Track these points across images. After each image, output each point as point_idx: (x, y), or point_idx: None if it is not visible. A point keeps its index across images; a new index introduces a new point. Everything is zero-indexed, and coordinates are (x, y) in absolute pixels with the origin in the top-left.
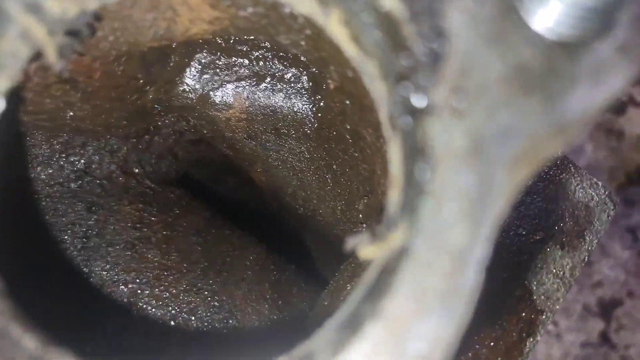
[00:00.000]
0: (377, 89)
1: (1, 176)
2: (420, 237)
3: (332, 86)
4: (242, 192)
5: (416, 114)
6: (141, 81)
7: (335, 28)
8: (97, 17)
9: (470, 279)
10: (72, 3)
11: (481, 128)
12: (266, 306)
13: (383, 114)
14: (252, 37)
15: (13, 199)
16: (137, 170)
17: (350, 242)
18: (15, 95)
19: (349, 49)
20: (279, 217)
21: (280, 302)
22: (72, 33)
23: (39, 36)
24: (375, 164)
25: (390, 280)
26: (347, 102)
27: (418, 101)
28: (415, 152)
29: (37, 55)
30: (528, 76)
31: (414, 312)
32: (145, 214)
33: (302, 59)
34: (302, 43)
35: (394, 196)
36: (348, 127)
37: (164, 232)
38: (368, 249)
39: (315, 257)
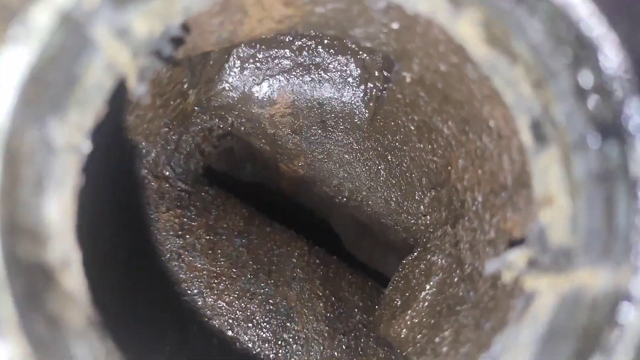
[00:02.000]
0: (518, 93)
1: None
2: None
3: (408, 79)
4: (267, 184)
5: (617, 136)
6: (185, 85)
7: (466, 28)
8: (186, 28)
9: None
10: (158, 19)
11: None
12: (321, 304)
13: (522, 121)
14: (319, 34)
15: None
16: (167, 173)
17: (495, 264)
18: None
19: (478, 50)
20: (308, 208)
21: (333, 299)
22: (154, 53)
23: (124, 63)
24: (453, 158)
25: (615, 334)
26: (422, 93)
27: (630, 121)
28: (610, 179)
29: (120, 84)
30: None
31: None
32: (185, 220)
33: (366, 46)
34: (382, 36)
35: (556, 219)
36: (416, 118)
37: (207, 237)
38: (534, 280)
39: (351, 246)
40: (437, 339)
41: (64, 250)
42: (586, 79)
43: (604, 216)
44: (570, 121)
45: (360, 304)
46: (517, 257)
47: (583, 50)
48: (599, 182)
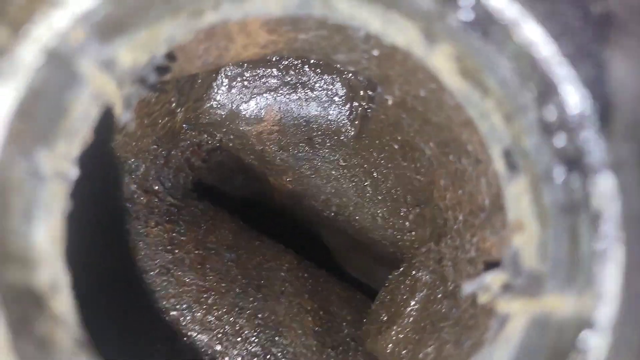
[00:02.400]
0: (491, 124)
1: None
2: (608, 309)
3: (390, 101)
4: (257, 198)
5: (579, 170)
6: (173, 104)
7: (440, 61)
8: (171, 57)
9: None
10: (143, 50)
11: None
12: (309, 318)
13: (495, 150)
14: (303, 57)
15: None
16: (157, 188)
17: (470, 286)
18: None
19: (452, 82)
20: (298, 222)
21: (322, 312)
22: (139, 81)
23: (109, 92)
24: (435, 177)
25: (579, 359)
26: (404, 115)
27: (591, 157)
28: (574, 210)
29: (106, 112)
30: None
31: None
32: (175, 234)
33: (349, 70)
34: (364, 62)
35: (526, 245)
36: (399, 138)
37: (197, 252)
38: (507, 302)
39: (340, 260)
40: (420, 355)
41: (53, 275)
42: (550, 114)
43: (569, 245)
44: (538, 153)
45: (349, 317)
46: (493, 279)
47: (546, 88)
48: (564, 213)
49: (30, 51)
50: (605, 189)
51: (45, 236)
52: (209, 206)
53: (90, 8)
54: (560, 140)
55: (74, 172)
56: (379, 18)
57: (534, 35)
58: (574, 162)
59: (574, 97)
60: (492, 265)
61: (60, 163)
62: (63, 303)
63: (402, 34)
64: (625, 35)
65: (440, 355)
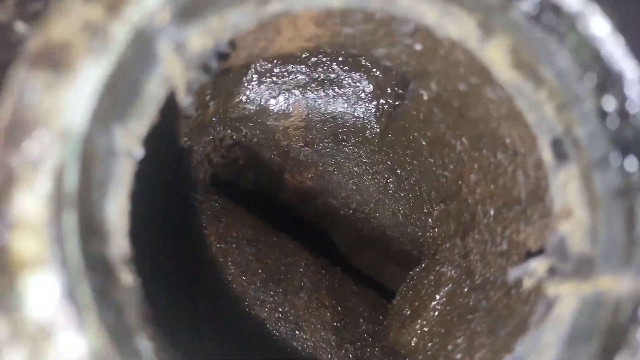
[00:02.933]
0: (542, 114)
1: None
2: None
3: (425, 97)
4: (267, 194)
5: (638, 155)
6: (208, 97)
7: (493, 53)
8: (233, 44)
9: None
10: (211, 36)
11: None
12: (328, 314)
13: (543, 140)
14: (335, 53)
15: None
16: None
17: (515, 272)
18: None
19: (504, 73)
20: (306, 220)
21: (339, 308)
22: (202, 66)
23: (177, 76)
24: (464, 172)
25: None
26: (437, 111)
27: None
28: (630, 193)
29: (170, 95)
30: None
31: None
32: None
33: (385, 65)
34: (403, 57)
35: (575, 230)
36: (428, 134)
37: (218, 245)
38: (557, 286)
39: (351, 258)
40: (449, 347)
41: (122, 248)
42: (609, 104)
43: (625, 227)
44: (592, 141)
45: (365, 314)
46: (537, 265)
47: (606, 78)
48: (619, 196)
49: (122, 29)
50: None
51: (115, 211)
52: (228, 202)
53: None
54: (617, 127)
55: (139, 152)
56: (437, 10)
57: (599, 27)
58: (631, 145)
59: (635, 89)
60: (535, 253)
61: (130, 141)
62: (130, 277)
63: (457, 26)
64: None
65: (472, 346)
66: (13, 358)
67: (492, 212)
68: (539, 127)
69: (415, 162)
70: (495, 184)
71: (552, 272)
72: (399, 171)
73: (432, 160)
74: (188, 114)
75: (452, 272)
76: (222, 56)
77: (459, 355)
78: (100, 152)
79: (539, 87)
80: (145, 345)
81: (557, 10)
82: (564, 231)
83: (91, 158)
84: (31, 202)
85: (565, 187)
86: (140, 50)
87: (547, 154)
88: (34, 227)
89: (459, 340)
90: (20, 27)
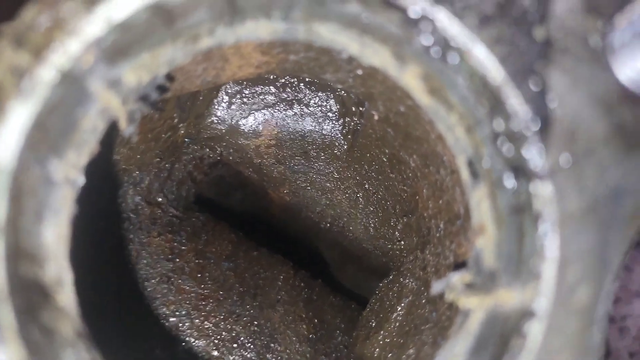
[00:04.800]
0: (456, 136)
1: None
2: (544, 299)
3: (376, 117)
4: (257, 210)
5: (524, 176)
6: (175, 120)
7: (411, 81)
8: (170, 77)
9: (596, 335)
10: (145, 71)
11: (593, 189)
12: (304, 326)
13: (461, 160)
14: (295, 76)
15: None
16: (160, 200)
17: (438, 286)
18: None
19: (422, 98)
20: (296, 233)
21: (316, 321)
22: (142, 98)
23: (115, 108)
24: (419, 188)
25: (520, 342)
26: (389, 130)
27: (532, 164)
28: (521, 211)
29: (111, 126)
30: (628, 135)
31: None
32: (176, 244)
33: (338, 88)
34: (350, 80)
35: (487, 246)
36: (387, 151)
37: (197, 261)
38: (467, 299)
39: (336, 271)
40: (403, 357)
41: (58, 271)
42: (499, 126)
43: (517, 243)
44: (493, 162)
45: (342, 325)
46: (459, 279)
47: (495, 103)
48: (514, 215)
49: (47, 72)
50: (544, 193)
51: (53, 236)
52: (210, 218)
53: (100, 35)
54: (508, 150)
55: (80, 180)
56: (356, 42)
57: (484, 57)
58: (520, 169)
59: (519, 111)
60: (458, 265)
61: (69, 171)
62: (66, 297)
63: (377, 55)
64: (564, 56)
65: (419, 356)
66: None
67: (442, 226)
68: (457, 148)
69: (380, 177)
70: (442, 199)
71: (468, 286)
72: (366, 186)
73: (393, 176)
74: (132, 141)
75: (413, 283)
76: (161, 88)
77: None
78: (34, 183)
79: (450, 111)
80: (73, 359)
81: (447, 43)
82: (479, 246)
83: (23, 190)
84: None
85: (480, 205)
86: (71, 89)
87: (464, 173)
88: None
89: (411, 351)
90: None
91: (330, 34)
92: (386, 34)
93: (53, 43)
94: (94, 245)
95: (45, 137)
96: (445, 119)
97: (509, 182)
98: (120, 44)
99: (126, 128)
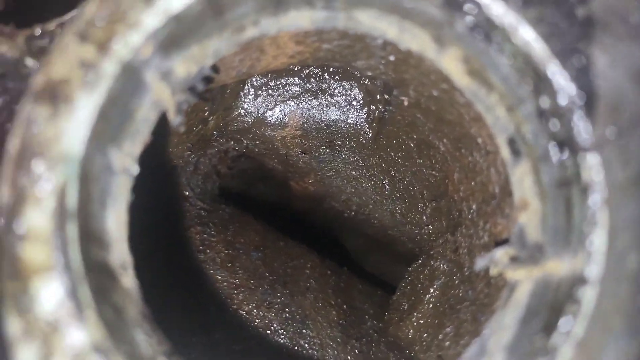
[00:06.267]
0: (496, 116)
1: None
2: (596, 266)
3: (405, 103)
4: (279, 201)
5: (571, 149)
6: (206, 113)
7: (450, 63)
8: (215, 68)
9: None
10: (194, 62)
11: (638, 160)
12: (334, 312)
13: (501, 139)
14: (326, 65)
15: None
16: (187, 193)
17: (482, 262)
18: None
19: (461, 80)
20: (318, 223)
21: (345, 306)
22: (190, 89)
23: (166, 99)
24: (449, 172)
25: (574, 307)
26: (419, 115)
27: (579, 137)
28: (568, 184)
29: (162, 116)
30: None
31: (603, 336)
32: (205, 236)
33: (367, 76)
34: (381, 67)
35: (530, 220)
36: (415, 136)
37: (226, 252)
38: (514, 272)
39: (361, 259)
40: (440, 336)
41: (121, 255)
42: (545, 103)
43: (565, 215)
44: (536, 138)
45: (371, 311)
46: (502, 254)
47: (540, 81)
48: (560, 188)
49: (110, 64)
50: (592, 163)
51: (115, 222)
52: (236, 210)
53: (158, 27)
54: (554, 125)
55: (135, 169)
56: (395, 27)
57: (528, 37)
58: (566, 143)
59: (564, 87)
60: (501, 242)
61: (126, 160)
62: (130, 280)
63: (415, 40)
64: (606, 34)
65: (458, 333)
66: (27, 350)
67: (474, 208)
68: (496, 128)
69: (407, 163)
70: (475, 181)
71: (512, 259)
72: (393, 173)
73: (421, 161)
74: (179, 131)
75: (445, 266)
76: (207, 79)
77: (447, 343)
78: (98, 171)
79: (490, 91)
80: (142, 338)
81: (492, 24)
82: (522, 222)
83: (89, 177)
84: (39, 216)
85: (522, 181)
86: (130, 81)
87: (505, 152)
88: (41, 238)
89: (448, 329)
90: (29, 62)
91: (370, 21)
92: (427, 18)
93: (116, 36)
94: (144, 233)
95: (106, 128)
96: (485, 100)
97: (555, 156)
98: (174, 36)
99: (174, 119)
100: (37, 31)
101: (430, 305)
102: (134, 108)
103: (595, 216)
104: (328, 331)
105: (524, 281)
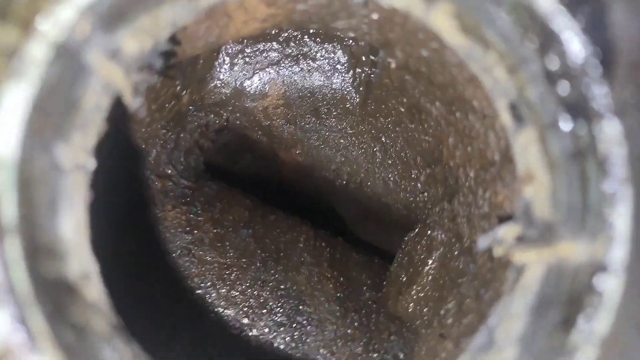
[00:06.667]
0: (494, 78)
1: None
2: (620, 251)
3: (393, 65)
4: (267, 173)
5: (584, 116)
6: (178, 87)
7: (440, 20)
8: (175, 41)
9: None
10: (147, 36)
11: None
12: (330, 285)
13: (500, 103)
14: (302, 28)
15: None
16: (169, 172)
17: (484, 241)
18: None
19: (453, 39)
20: (309, 194)
21: (342, 279)
22: (146, 67)
23: (118, 81)
24: (443, 137)
25: (595, 299)
26: (408, 77)
27: (595, 103)
28: (581, 155)
29: (116, 101)
30: None
31: (632, 333)
32: (192, 215)
33: (349, 37)
34: (364, 27)
35: (538, 195)
36: (405, 100)
37: (215, 231)
38: (523, 253)
39: (355, 227)
40: (442, 311)
41: (82, 264)
42: (553, 63)
43: (579, 191)
44: (543, 103)
45: (368, 281)
46: (506, 232)
47: (547, 38)
48: (573, 160)
49: (39, 48)
50: (610, 133)
51: (71, 227)
52: (222, 186)
53: (93, 0)
54: (564, 88)
55: (91, 163)
56: None
57: None
58: (579, 109)
59: (575, 45)
60: (505, 218)
61: (78, 155)
62: (94, 290)
63: None
64: None
65: (460, 310)
66: None
67: (472, 175)
68: (495, 91)
69: (397, 129)
70: (472, 147)
71: (519, 239)
72: (383, 139)
73: (413, 126)
74: (140, 115)
75: (443, 235)
76: (167, 54)
77: (449, 320)
78: (42, 172)
79: (487, 50)
80: (112, 356)
81: None
82: (528, 195)
83: (31, 182)
84: None
85: (526, 150)
86: (67, 65)
87: (506, 118)
88: None
89: (450, 305)
90: None
91: None
92: None
93: (40, 12)
94: (111, 230)
95: (46, 122)
96: (480, 60)
97: (566, 124)
98: (117, 8)
99: (132, 101)
100: None
101: (430, 278)
102: (79, 95)
103: (616, 194)
104: (326, 305)
105: (534, 264)
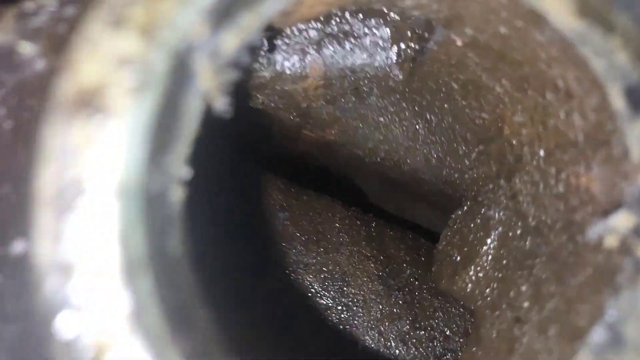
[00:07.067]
0: (612, 62)
1: None
2: None
3: (459, 42)
4: (288, 152)
5: None
6: None
7: (553, 2)
8: (271, 29)
9: None
10: (243, 35)
11: None
12: (371, 265)
13: (615, 88)
14: (367, 8)
15: None
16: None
17: (595, 231)
18: None
19: (563, 20)
20: (323, 168)
21: (381, 257)
22: (234, 65)
23: (210, 83)
24: (505, 114)
25: None
26: (471, 54)
27: None
28: None
29: (207, 106)
30: None
31: None
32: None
33: (412, 15)
34: (434, 5)
35: None
36: (461, 77)
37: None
38: None
39: (381, 202)
40: (511, 294)
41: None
42: None
43: None
44: None
45: (408, 258)
46: (619, 221)
47: None
48: None
49: (160, 57)
50: None
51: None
52: (253, 168)
53: (214, 1)
54: None
55: (187, 173)
56: None
57: None
58: None
59: None
60: (612, 207)
61: (178, 166)
62: None
63: None
64: None
65: (539, 293)
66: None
67: (542, 154)
68: (608, 75)
69: (445, 105)
70: (545, 126)
71: (637, 230)
72: (428, 116)
73: (466, 103)
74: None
75: (501, 214)
76: (252, 48)
77: (526, 304)
78: (158, 193)
79: (609, 34)
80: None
81: None
82: None
83: (153, 208)
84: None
85: None
86: (183, 72)
87: (618, 103)
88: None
89: (523, 288)
90: (25, 47)
91: None
92: None
93: (162, 15)
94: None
95: (163, 137)
96: (597, 43)
97: None
98: (225, 6)
99: (220, 102)
100: (29, 7)
101: (490, 257)
102: (181, 103)
103: None
104: (370, 285)
105: None
